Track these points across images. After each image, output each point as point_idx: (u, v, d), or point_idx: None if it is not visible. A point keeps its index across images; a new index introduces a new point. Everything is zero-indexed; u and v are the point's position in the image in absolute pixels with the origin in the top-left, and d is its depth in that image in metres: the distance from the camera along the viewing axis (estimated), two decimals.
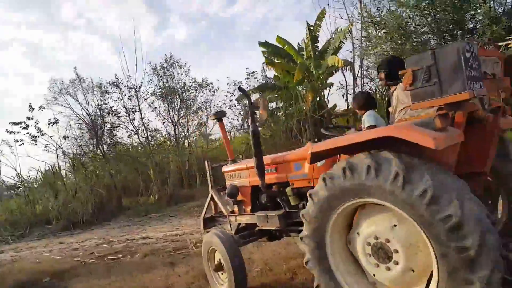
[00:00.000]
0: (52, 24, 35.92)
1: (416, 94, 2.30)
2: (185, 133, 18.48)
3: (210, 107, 18.61)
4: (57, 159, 16.25)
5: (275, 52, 15.95)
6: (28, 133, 15.17)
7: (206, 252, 3.93)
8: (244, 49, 40.90)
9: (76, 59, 32.27)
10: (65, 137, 16.44)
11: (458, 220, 1.89)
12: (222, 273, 3.81)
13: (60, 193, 13.54)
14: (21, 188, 15.86)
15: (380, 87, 14.46)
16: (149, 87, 18.34)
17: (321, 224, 2.56)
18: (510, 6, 11.91)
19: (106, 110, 17.02)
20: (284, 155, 3.60)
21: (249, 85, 17.15)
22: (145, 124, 17.22)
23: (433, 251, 2.01)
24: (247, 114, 15.94)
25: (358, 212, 2.53)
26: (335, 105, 16.17)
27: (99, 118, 16.98)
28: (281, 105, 15.66)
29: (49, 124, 15.79)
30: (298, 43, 16.31)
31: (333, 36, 15.73)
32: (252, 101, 3.80)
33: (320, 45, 15.72)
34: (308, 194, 2.64)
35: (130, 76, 17.03)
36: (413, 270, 2.21)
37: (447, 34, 11.96)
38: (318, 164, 3.10)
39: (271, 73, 17.24)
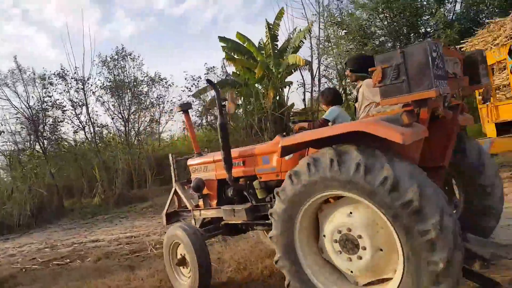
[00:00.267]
0: None
1: (385, 90, 2.48)
2: (136, 130, 17.99)
3: (163, 103, 18.31)
4: None
5: (235, 48, 16.07)
6: None
7: (168, 246, 3.92)
8: (191, 49, 40.71)
9: (13, 50, 30.19)
10: (0, 132, 15.43)
11: (418, 204, 2.08)
12: (184, 268, 3.81)
13: None
14: None
15: (343, 85, 15.12)
16: (98, 80, 17.67)
17: (289, 221, 2.68)
18: (460, 13, 12.91)
19: (50, 103, 16.16)
20: (251, 149, 3.71)
21: None
22: (92, 119, 16.54)
23: (397, 236, 2.19)
24: (206, 110, 15.92)
25: (319, 216, 2.70)
26: (293, 104, 16.61)
27: (41, 111, 16.07)
28: (240, 102, 15.78)
29: None
30: (259, 42, 16.54)
31: (292, 35, 16.14)
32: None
33: (279, 43, 16.06)
34: (275, 193, 2.76)
35: (77, 68, 16.33)
36: (381, 250, 2.39)
37: (402, 37, 12.73)
38: (286, 157, 3.24)
39: (230, 69, 17.34)
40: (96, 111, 21.19)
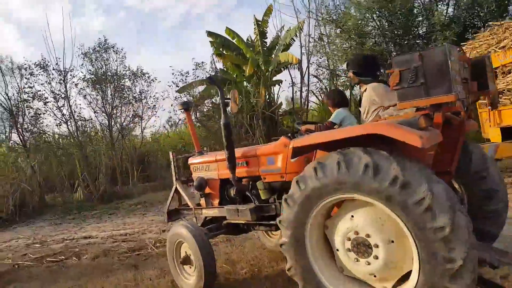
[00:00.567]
0: None
1: (402, 93, 2.50)
2: (118, 125, 17.68)
3: (146, 98, 18.03)
4: None
5: (223, 44, 15.92)
6: None
7: (173, 244, 3.93)
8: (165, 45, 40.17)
9: None
10: None
11: (430, 201, 2.10)
12: (189, 267, 3.83)
13: None
14: None
15: (334, 84, 15.16)
16: (80, 72, 17.30)
17: (300, 227, 2.69)
18: (452, 16, 13.12)
19: (31, 95, 15.76)
20: (256, 149, 3.71)
21: (197, 76, 16.89)
22: (73, 113, 16.18)
23: (411, 235, 2.21)
24: (195, 106, 15.76)
25: (326, 234, 2.72)
26: (281, 103, 16.61)
27: (20, 102, 15.67)
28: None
29: None
30: (247, 38, 16.44)
31: (280, 33, 16.10)
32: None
33: (268, 41, 15.97)
34: (283, 200, 2.76)
35: (59, 59, 15.94)
36: (392, 241, 2.39)
37: (398, 39, 12.87)
38: (292, 159, 3.24)
39: (219, 65, 17.19)
40: (79, 104, 20.77)
